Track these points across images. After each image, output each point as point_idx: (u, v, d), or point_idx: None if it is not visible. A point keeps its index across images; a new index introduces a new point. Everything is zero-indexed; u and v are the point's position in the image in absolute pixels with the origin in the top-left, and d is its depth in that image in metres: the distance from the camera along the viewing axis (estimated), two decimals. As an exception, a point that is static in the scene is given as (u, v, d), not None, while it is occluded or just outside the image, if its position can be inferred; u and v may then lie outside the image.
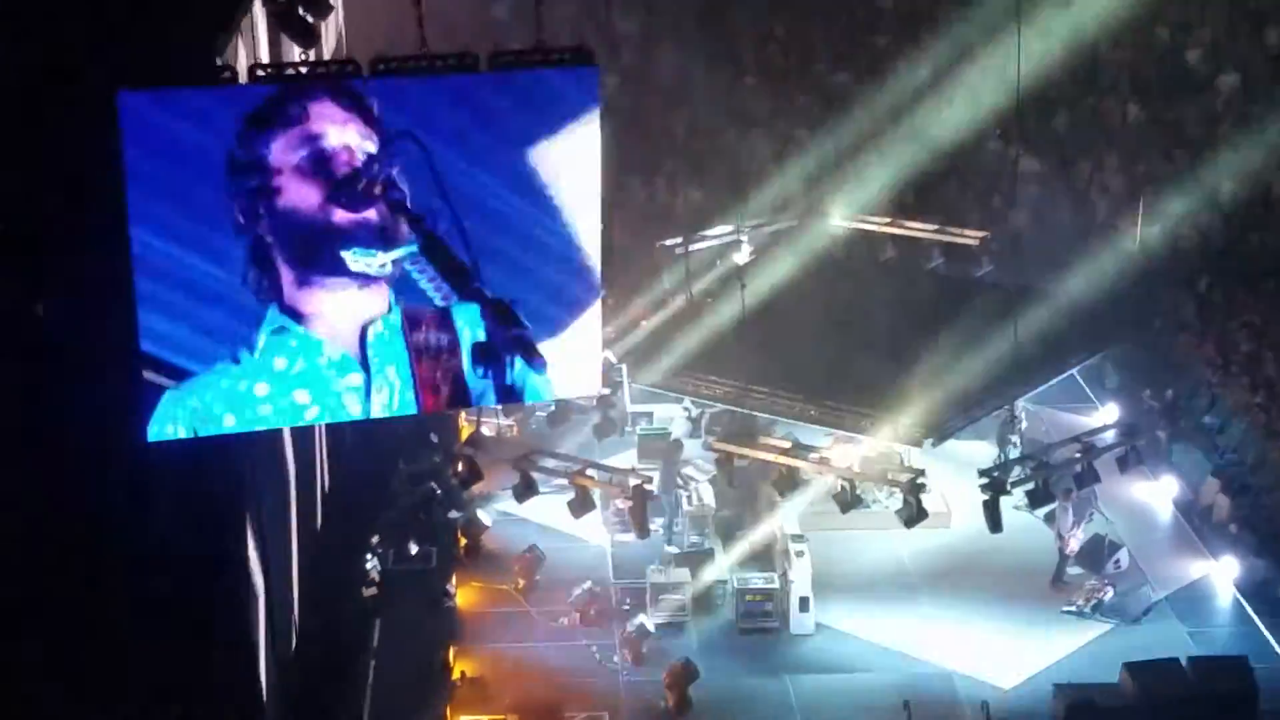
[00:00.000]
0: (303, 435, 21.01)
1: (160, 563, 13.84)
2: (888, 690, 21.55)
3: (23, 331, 12.66)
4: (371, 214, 13.88)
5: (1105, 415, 27.78)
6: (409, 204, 13.92)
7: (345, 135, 13.68)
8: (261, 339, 14.08)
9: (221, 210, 13.49)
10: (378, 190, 13.79)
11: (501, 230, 14.36)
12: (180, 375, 13.62)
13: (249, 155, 13.51)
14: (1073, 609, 23.49)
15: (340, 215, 13.81)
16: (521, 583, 24.18)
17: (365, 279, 14.05)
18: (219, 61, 14.79)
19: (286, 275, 13.86)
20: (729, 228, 27.70)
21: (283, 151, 13.59)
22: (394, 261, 14.12)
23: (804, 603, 23.13)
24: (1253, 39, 34.71)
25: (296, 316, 14.07)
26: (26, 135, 12.43)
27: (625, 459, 26.01)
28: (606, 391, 24.77)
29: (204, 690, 14.76)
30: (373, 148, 13.79)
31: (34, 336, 12.70)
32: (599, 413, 25.43)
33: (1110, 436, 22.70)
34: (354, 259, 13.88)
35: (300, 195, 13.65)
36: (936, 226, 28.87)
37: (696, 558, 24.25)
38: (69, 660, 12.31)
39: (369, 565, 23.31)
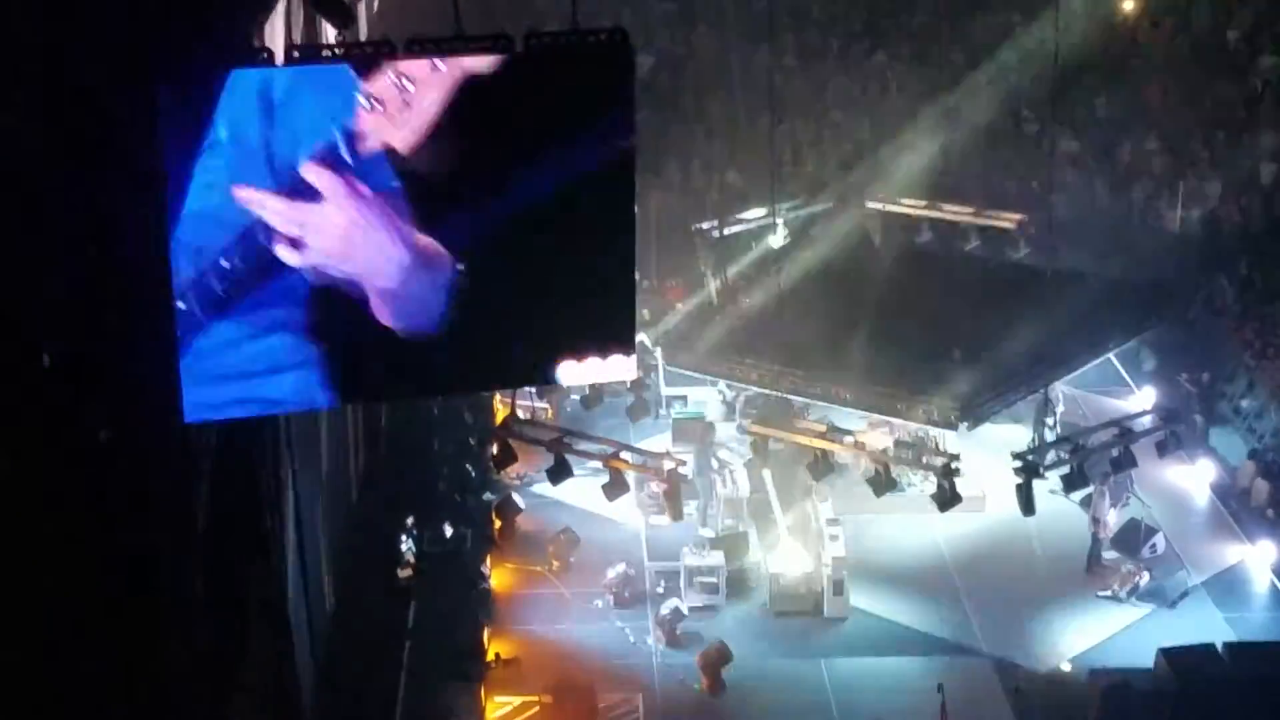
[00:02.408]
0: (337, 416, 21.08)
1: (194, 541, 13.91)
2: (922, 673, 21.55)
3: (53, 318, 12.72)
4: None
5: (1142, 399, 27.66)
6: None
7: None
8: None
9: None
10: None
11: (530, 221, 14.15)
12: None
13: None
14: (1108, 593, 23.43)
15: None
16: (556, 565, 24.26)
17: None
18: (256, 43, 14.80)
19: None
20: (764, 211, 27.66)
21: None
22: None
23: (838, 586, 23.14)
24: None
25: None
26: (62, 121, 12.46)
27: (660, 442, 26.04)
28: (640, 374, 24.79)
29: (238, 671, 14.85)
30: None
31: (65, 322, 12.75)
32: (633, 395, 25.44)
33: (1147, 421, 22.61)
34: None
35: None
36: (974, 209, 28.76)
37: (731, 540, 24.26)
38: (103, 638, 12.39)
39: (404, 547, 23.37)
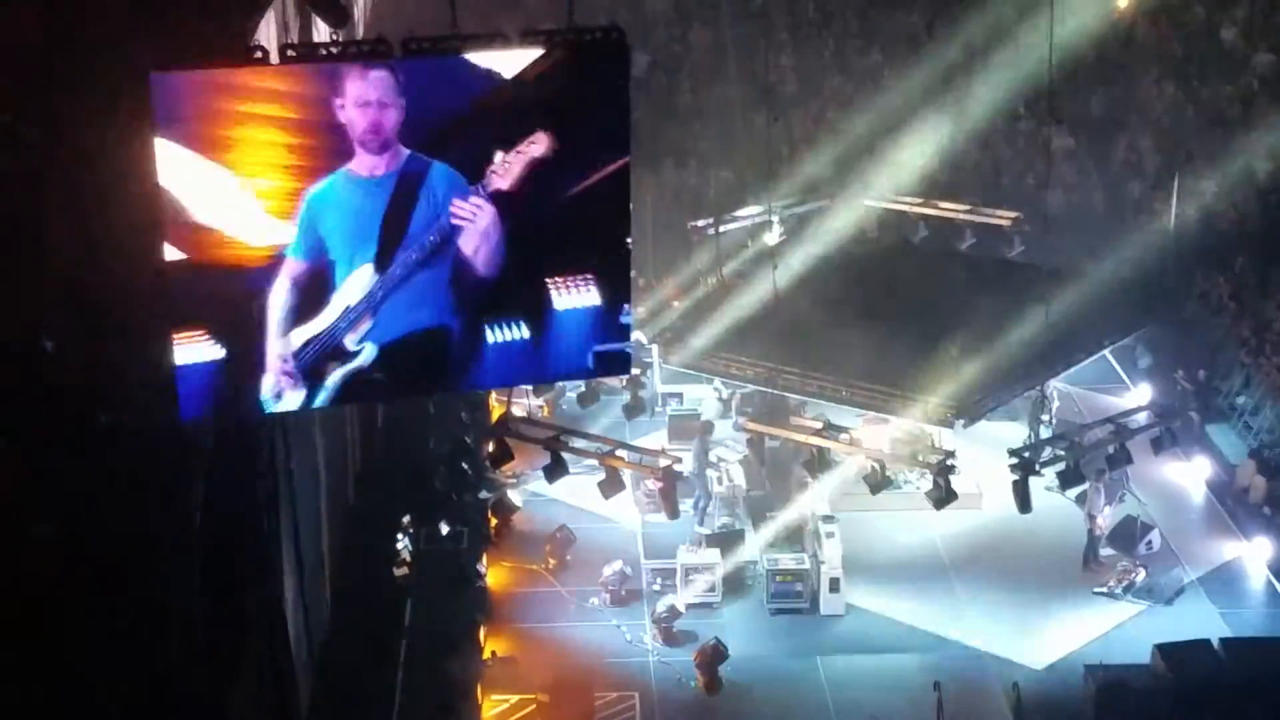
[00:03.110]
0: (333, 415, 21.07)
1: (191, 540, 13.91)
2: (918, 671, 21.54)
3: (54, 318, 12.73)
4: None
5: (1138, 396, 27.69)
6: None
7: None
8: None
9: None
10: None
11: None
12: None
13: None
14: (1104, 590, 23.45)
15: None
16: (552, 563, 24.27)
17: None
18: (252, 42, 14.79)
19: None
20: (760, 208, 27.67)
21: None
22: None
23: (834, 583, 23.14)
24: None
25: None
26: (59, 122, 12.46)
27: (656, 439, 26.06)
28: (637, 372, 24.81)
29: (237, 670, 14.85)
30: None
31: (65, 321, 12.76)
32: (629, 393, 25.46)
33: (1143, 418, 22.63)
34: None
35: None
36: (969, 207, 28.80)
37: (727, 538, 24.27)
38: (103, 638, 12.40)
39: (400, 545, 23.36)
